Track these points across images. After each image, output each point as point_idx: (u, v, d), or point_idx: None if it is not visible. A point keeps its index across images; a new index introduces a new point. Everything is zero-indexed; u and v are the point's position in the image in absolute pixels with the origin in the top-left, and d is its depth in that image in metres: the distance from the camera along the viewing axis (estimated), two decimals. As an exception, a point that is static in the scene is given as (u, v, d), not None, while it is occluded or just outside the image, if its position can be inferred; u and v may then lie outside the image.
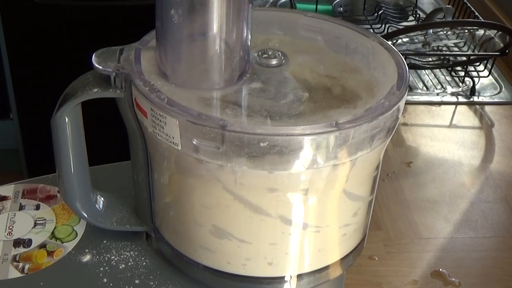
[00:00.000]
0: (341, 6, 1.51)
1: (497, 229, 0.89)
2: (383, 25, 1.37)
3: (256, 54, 0.53)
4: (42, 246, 0.60)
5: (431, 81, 1.25)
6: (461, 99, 1.20)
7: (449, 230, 0.88)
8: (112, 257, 0.59)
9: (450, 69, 1.28)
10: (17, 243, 0.60)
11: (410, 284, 0.80)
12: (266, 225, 0.51)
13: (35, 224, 0.62)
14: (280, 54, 0.53)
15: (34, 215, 0.63)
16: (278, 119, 0.46)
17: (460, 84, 1.24)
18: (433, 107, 1.17)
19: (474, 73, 1.24)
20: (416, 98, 1.20)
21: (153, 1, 0.48)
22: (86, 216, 0.59)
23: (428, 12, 1.42)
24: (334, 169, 0.48)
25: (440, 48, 1.31)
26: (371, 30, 1.33)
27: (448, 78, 1.26)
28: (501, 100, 1.21)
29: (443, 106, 1.18)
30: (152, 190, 0.56)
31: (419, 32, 1.27)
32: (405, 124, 1.11)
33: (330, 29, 0.58)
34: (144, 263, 0.59)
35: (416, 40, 1.27)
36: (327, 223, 0.54)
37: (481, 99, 1.20)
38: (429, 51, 1.27)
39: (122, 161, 0.65)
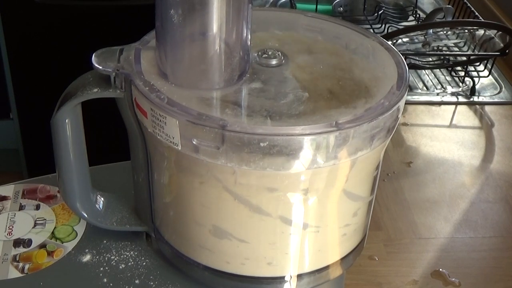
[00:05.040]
0: (341, 6, 1.51)
1: (497, 229, 0.89)
2: (383, 25, 1.37)
3: (256, 54, 0.53)
4: (42, 246, 0.60)
5: (431, 81, 1.25)
6: (461, 99, 1.20)
7: (449, 230, 0.88)
8: (112, 257, 0.59)
9: (450, 69, 1.28)
10: (17, 243, 0.60)
11: (410, 284, 0.80)
12: (265, 225, 0.51)
13: (35, 224, 0.62)
14: (280, 54, 0.53)
15: (34, 215, 0.63)
16: (278, 119, 0.46)
17: (460, 84, 1.24)
18: (433, 107, 1.17)
19: (474, 73, 1.24)
20: (416, 98, 1.19)
21: (153, 1, 0.48)
22: (86, 216, 0.59)
23: (428, 12, 1.42)
24: (334, 169, 0.48)
25: (440, 48, 1.31)
26: (371, 30, 1.33)
27: (448, 78, 1.26)
28: (501, 100, 1.21)
29: (443, 106, 1.18)
30: (152, 190, 0.56)
31: (419, 32, 1.27)
32: (405, 124, 1.11)
33: (330, 29, 0.58)
34: (144, 263, 0.59)
35: (416, 40, 1.27)
36: (327, 223, 0.54)
37: (481, 99, 1.20)
38: (429, 51, 1.27)
39: (122, 161, 0.65)
